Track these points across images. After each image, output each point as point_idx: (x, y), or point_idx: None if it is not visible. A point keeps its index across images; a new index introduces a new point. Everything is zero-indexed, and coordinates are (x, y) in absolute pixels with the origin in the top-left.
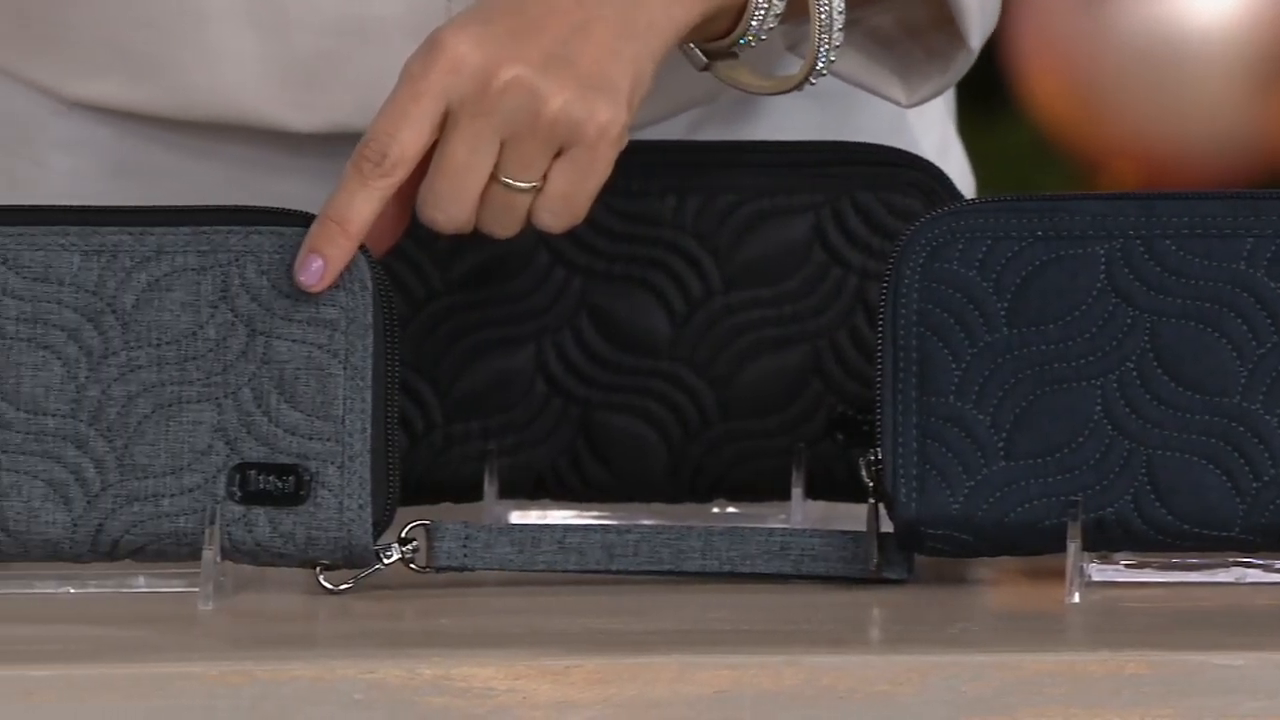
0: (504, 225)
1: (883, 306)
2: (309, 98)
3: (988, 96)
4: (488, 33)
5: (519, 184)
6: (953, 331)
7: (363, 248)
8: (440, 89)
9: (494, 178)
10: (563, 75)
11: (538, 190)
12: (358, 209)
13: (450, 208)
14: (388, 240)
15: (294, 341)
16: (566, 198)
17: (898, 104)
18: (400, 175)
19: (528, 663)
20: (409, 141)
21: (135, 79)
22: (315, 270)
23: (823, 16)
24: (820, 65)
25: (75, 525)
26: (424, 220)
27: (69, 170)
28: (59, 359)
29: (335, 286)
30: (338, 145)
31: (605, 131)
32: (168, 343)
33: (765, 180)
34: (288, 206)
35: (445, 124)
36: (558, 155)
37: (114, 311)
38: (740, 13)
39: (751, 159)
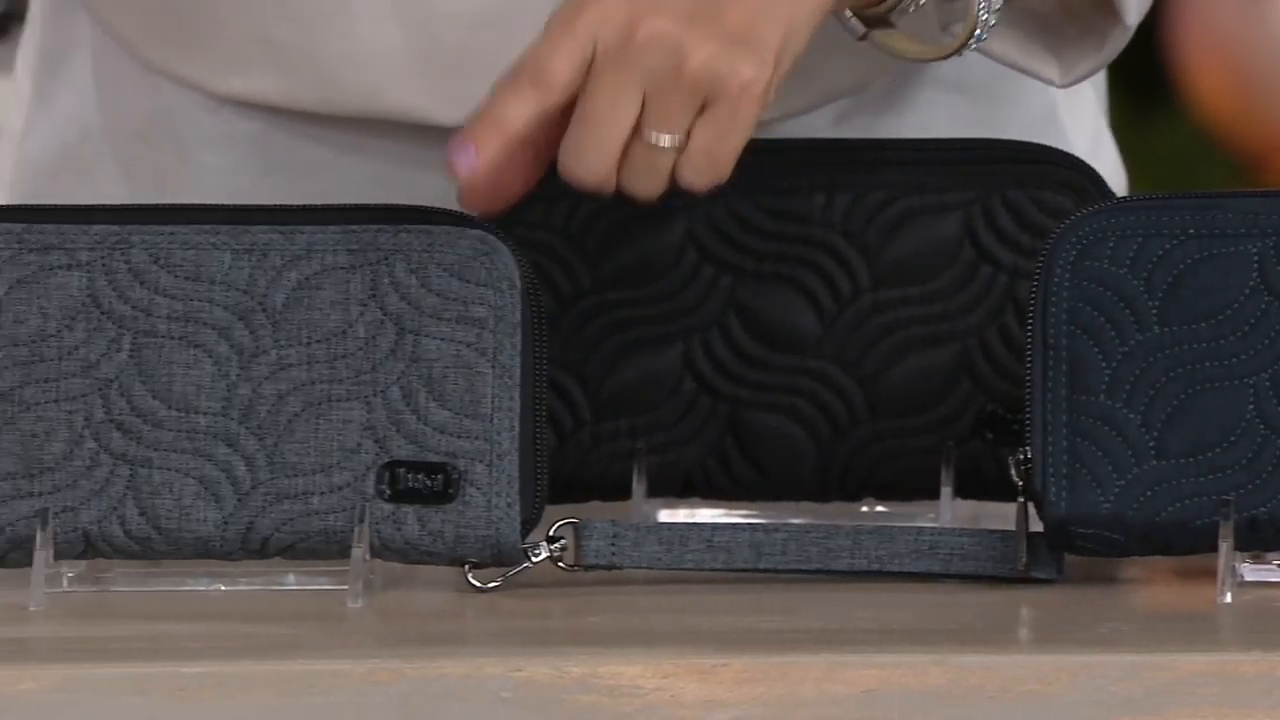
0: (646, 184)
1: (1033, 305)
2: (453, 91)
3: (1150, 93)
4: None
5: (661, 141)
6: (1103, 330)
7: (511, 248)
8: (587, 34)
9: (637, 136)
10: (708, 29)
11: (679, 150)
12: (514, 113)
13: (591, 159)
14: (518, 187)
15: (442, 340)
16: (709, 154)
17: (1051, 83)
18: (552, 99)
19: (675, 661)
20: (560, 69)
21: (282, 73)
22: (469, 153)
23: None
24: (979, 30)
25: (226, 523)
26: (565, 176)
27: (218, 166)
28: (210, 357)
29: (484, 285)
30: None
31: (748, 88)
32: (318, 341)
33: (915, 177)
34: (434, 201)
35: (589, 73)
36: (701, 112)
37: (265, 310)
38: None
39: (901, 156)
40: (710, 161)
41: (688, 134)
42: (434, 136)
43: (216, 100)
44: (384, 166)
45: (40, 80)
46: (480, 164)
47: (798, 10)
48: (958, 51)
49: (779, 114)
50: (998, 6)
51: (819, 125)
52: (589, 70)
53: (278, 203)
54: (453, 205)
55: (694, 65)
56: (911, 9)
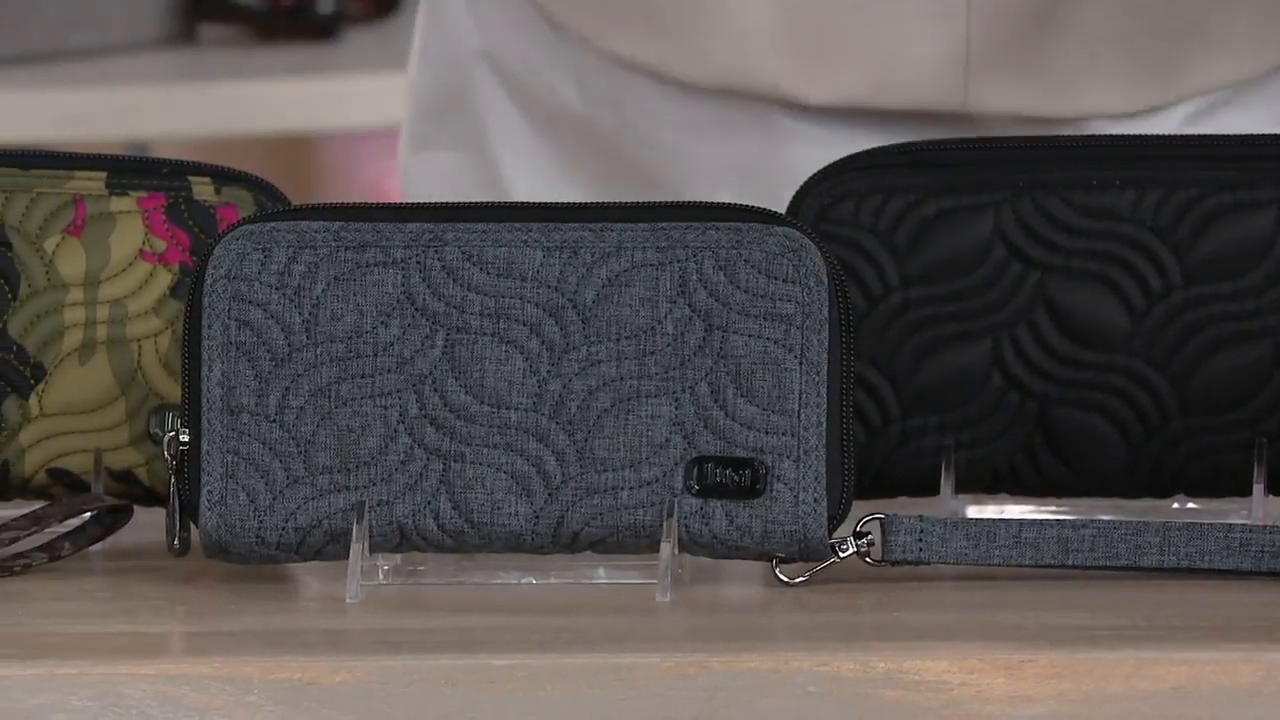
0: None
1: None
2: (820, 69)
3: None
4: None
5: None
6: None
7: (818, 245)
8: None
9: None
10: None
11: None
12: None
13: None
14: None
15: (750, 336)
16: None
17: None
18: None
19: (981, 656)
20: None
21: (660, 38)
22: None
23: None
24: None
25: (537, 517)
26: None
27: (582, 132)
28: (521, 353)
29: (791, 282)
30: (844, 119)
31: None
32: (627, 337)
33: (1226, 174)
34: (788, 181)
35: None
36: None
37: (575, 306)
38: None
39: (1209, 152)
40: None
41: None
42: (795, 112)
43: (605, 61)
44: (743, 140)
45: (423, 24)
46: None
47: None
48: None
49: (1139, 107)
50: None
51: (1170, 124)
52: None
53: (590, 200)
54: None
55: None
56: None
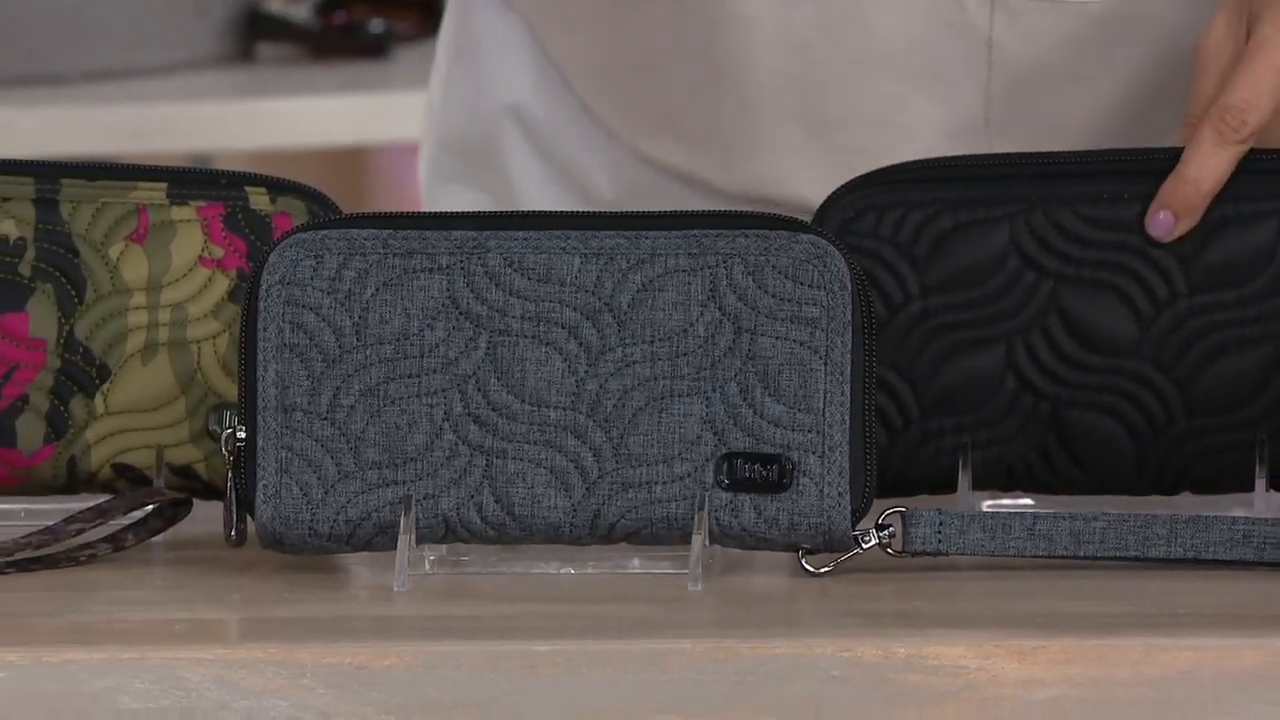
0: None
1: None
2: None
3: None
4: None
5: None
6: None
7: (843, 252)
8: None
9: None
10: None
11: None
12: (1213, 170)
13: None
14: None
15: (777, 339)
16: None
17: None
18: (1251, 141)
19: (997, 643)
20: (1266, 110)
21: (688, 147)
22: (1164, 223)
23: None
24: None
25: (575, 510)
26: None
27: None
28: (560, 354)
29: (816, 287)
30: None
31: None
32: (660, 339)
33: (1230, 187)
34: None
35: None
36: None
37: (611, 310)
38: None
39: None
40: None
41: None
42: None
43: (638, 158)
44: None
45: (451, 66)
46: (1179, 229)
47: None
48: None
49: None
50: None
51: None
52: None
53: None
54: None
55: None
56: None
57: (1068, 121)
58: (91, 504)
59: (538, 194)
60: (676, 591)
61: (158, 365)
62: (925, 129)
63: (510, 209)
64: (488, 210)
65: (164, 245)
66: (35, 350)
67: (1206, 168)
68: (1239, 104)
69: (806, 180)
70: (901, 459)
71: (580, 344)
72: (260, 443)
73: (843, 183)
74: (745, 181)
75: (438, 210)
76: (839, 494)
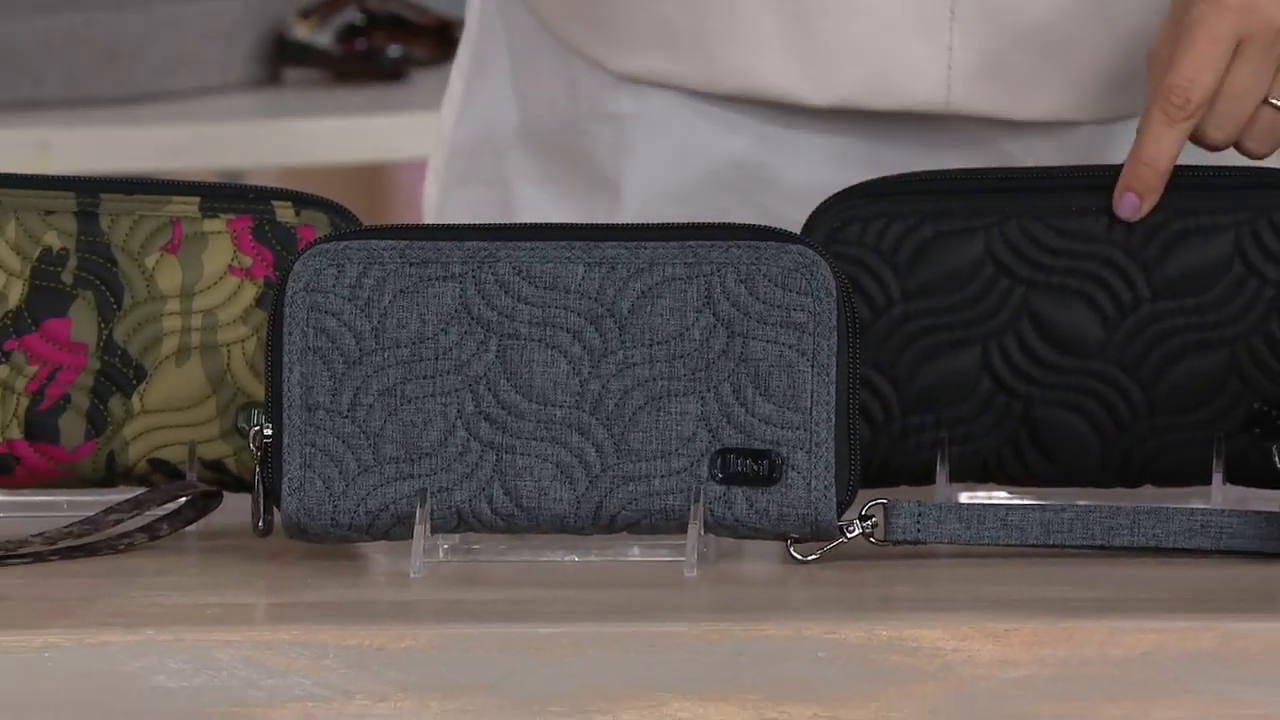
0: (1265, 143)
1: None
2: (823, 74)
3: None
4: None
5: None
6: None
7: (829, 261)
8: (1233, 32)
9: (1264, 101)
10: None
11: None
12: (1165, 149)
13: (1227, 126)
14: None
15: (768, 342)
16: None
17: None
18: (1198, 116)
19: (972, 626)
20: (1209, 85)
21: (672, 53)
22: (1130, 204)
23: None
24: None
25: (579, 502)
26: (1200, 140)
27: (614, 144)
28: (565, 357)
29: (804, 294)
30: (846, 120)
31: None
32: (659, 343)
33: (1191, 201)
34: (794, 180)
35: (1234, 56)
36: None
37: (613, 316)
38: None
39: (1177, 180)
40: None
41: None
42: (801, 119)
43: (615, 79)
44: (754, 145)
45: (470, 80)
46: (1144, 208)
47: None
48: None
49: (1108, 115)
50: None
51: (1078, 140)
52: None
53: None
54: (818, 185)
55: None
56: None
57: (1029, 16)
58: (129, 496)
59: (537, 193)
60: (674, 578)
61: (190, 367)
62: (896, 19)
63: (510, 209)
64: (498, 223)
65: (196, 255)
66: (77, 353)
67: (1159, 148)
68: (1182, 82)
69: (786, 74)
70: (884, 453)
71: (584, 347)
72: (286, 439)
73: (820, 74)
74: (726, 77)
75: (444, 219)
76: (825, 487)
